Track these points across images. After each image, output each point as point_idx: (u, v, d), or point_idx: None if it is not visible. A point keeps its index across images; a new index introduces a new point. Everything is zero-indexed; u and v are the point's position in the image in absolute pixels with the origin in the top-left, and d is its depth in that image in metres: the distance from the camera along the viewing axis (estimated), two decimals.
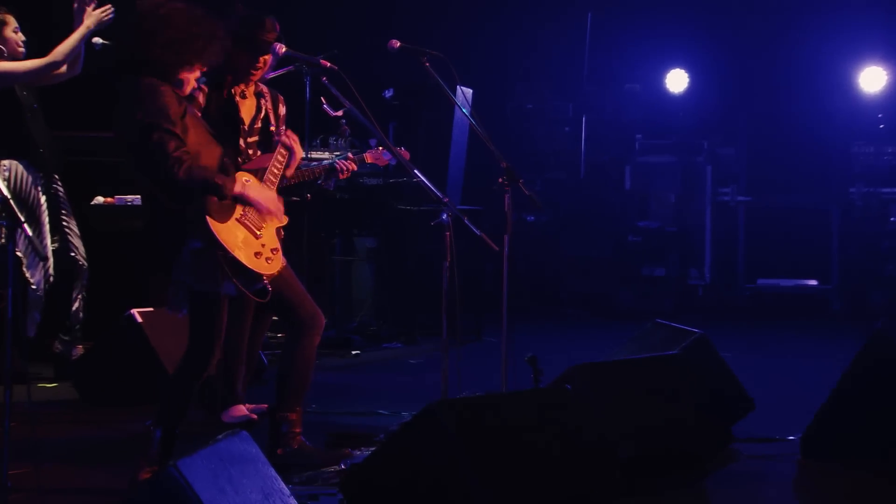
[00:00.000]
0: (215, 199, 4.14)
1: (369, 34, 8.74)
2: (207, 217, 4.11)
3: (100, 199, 7.17)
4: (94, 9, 5.90)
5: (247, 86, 5.06)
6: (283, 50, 4.83)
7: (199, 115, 4.45)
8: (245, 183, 4.27)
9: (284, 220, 4.50)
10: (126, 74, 4.15)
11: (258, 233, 4.30)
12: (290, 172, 4.73)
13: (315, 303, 4.72)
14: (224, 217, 4.18)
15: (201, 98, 4.92)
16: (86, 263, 6.44)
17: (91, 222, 6.90)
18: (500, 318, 4.99)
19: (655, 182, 10.88)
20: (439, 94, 5.14)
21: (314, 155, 7.22)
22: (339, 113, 4.98)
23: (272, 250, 4.35)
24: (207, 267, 4.15)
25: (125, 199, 7.09)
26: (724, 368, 5.20)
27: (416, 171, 4.74)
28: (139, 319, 5.82)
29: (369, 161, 5.57)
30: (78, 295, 6.42)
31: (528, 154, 10.61)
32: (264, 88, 5.18)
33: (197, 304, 4.22)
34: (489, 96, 9.22)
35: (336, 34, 9.08)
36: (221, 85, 5.02)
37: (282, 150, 4.65)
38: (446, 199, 4.73)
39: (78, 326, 6.46)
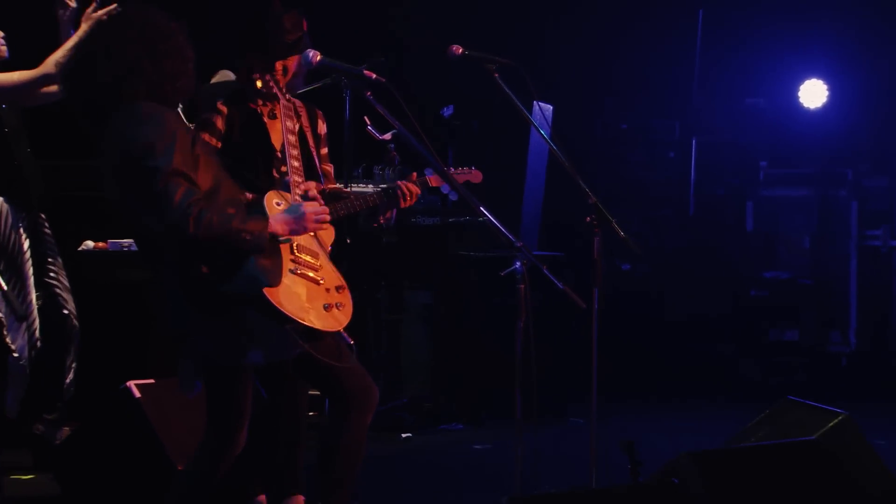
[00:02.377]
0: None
1: (426, 39, 8.84)
2: (265, 289, 4.11)
3: (90, 244, 7.25)
4: (95, 10, 5.79)
5: (274, 102, 5.13)
6: (318, 59, 4.88)
7: (209, 142, 4.50)
8: (277, 207, 4.31)
9: (330, 226, 4.54)
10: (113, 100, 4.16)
11: (319, 278, 4.36)
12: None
13: (366, 371, 4.74)
14: (275, 274, 4.20)
15: (219, 121, 5.01)
16: (77, 324, 6.38)
17: (79, 272, 6.92)
18: (589, 394, 4.97)
19: (785, 221, 10.82)
20: (511, 111, 5.15)
21: (355, 189, 7.27)
22: (387, 136, 5.04)
23: (338, 289, 4.43)
24: (229, 332, 4.17)
25: (120, 243, 7.14)
26: (874, 459, 5.12)
27: (481, 207, 4.75)
28: (137, 394, 5.78)
29: (433, 185, 5.54)
30: (72, 363, 6.36)
31: (622, 186, 10.61)
32: (298, 103, 5.24)
33: (216, 380, 4.24)
34: (574, 114, 9.23)
35: (384, 39, 9.18)
36: (244, 104, 5.09)
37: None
38: (520, 244, 4.73)
39: (65, 402, 6.44)
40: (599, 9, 10.60)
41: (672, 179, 10.92)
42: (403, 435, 7.75)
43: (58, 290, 6.35)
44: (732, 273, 10.68)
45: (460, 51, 5.02)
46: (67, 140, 7.42)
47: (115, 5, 5.69)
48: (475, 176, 5.52)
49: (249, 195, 4.37)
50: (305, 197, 4.68)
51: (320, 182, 5.14)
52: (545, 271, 4.75)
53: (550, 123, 7.50)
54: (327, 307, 4.32)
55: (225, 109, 5.08)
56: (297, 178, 4.65)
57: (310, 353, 4.30)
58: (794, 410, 5.35)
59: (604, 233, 4.98)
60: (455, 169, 5.57)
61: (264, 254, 4.15)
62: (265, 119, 5.14)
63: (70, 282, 6.48)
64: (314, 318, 4.22)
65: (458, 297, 8.45)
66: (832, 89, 11.03)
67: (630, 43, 10.74)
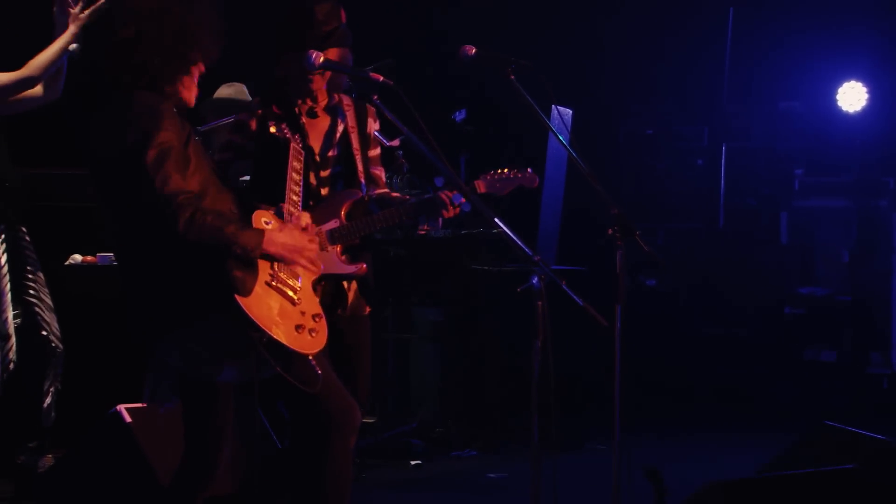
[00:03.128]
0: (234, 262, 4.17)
1: (437, 39, 8.86)
2: (236, 296, 4.11)
3: (77, 258, 7.26)
4: (82, 10, 5.84)
5: (316, 100, 5.16)
6: (321, 59, 4.89)
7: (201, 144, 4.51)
8: (266, 226, 4.33)
9: (319, 271, 4.53)
10: (105, 89, 4.22)
11: (295, 297, 4.34)
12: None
13: (345, 389, 4.69)
14: (248, 283, 4.20)
15: (253, 123, 5.04)
16: (60, 345, 6.41)
17: (66, 288, 6.94)
18: (611, 418, 4.96)
19: (822, 234, 10.81)
20: (528, 116, 5.13)
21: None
22: (395, 142, 5.04)
23: (315, 317, 4.38)
24: (201, 345, 4.18)
25: (109, 257, 7.16)
26: None
27: (496, 219, 4.74)
28: (128, 419, 5.80)
29: (481, 191, 5.44)
30: (50, 387, 6.39)
31: (647, 196, 10.62)
32: (346, 100, 5.28)
33: (191, 397, 4.27)
34: (595, 119, 9.24)
35: (392, 40, 9.19)
36: (281, 101, 5.11)
37: (295, 165, 4.71)
38: (538, 258, 4.70)
39: (48, 428, 6.46)
40: (623, 7, 10.60)
41: (700, 189, 10.91)
42: (413, 462, 7.74)
43: (38, 310, 6.36)
44: (765, 289, 10.67)
45: (473, 51, 5.01)
46: (53, 147, 7.47)
47: (102, 1, 5.77)
48: (529, 179, 5.46)
49: (234, 208, 4.36)
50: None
51: (361, 190, 5.17)
52: (564, 287, 4.70)
53: (570, 128, 7.52)
54: (299, 328, 4.28)
55: (259, 111, 5.12)
56: (291, 209, 4.65)
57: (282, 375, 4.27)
58: (831, 436, 5.34)
59: (627, 246, 4.94)
60: (502, 172, 5.48)
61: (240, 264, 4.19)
62: (303, 119, 5.16)
63: (56, 299, 6.48)
64: (282, 333, 4.18)
65: (470, 315, 8.44)
66: (872, 92, 11.00)
67: (656, 43, 10.75)
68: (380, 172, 5.42)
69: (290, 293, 4.32)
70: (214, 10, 4.36)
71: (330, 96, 5.23)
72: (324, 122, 5.18)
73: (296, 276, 4.39)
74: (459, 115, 8.64)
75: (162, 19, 4.22)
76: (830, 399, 9.89)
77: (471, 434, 8.31)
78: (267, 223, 4.37)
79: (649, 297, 10.54)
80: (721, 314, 10.53)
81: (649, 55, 10.83)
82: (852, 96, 11.02)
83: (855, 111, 11.04)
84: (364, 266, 5.20)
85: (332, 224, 5.15)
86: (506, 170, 5.42)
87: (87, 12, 5.82)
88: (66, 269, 7.23)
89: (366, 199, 5.22)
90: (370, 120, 5.33)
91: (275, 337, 4.14)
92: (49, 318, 6.41)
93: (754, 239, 10.89)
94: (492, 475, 7.58)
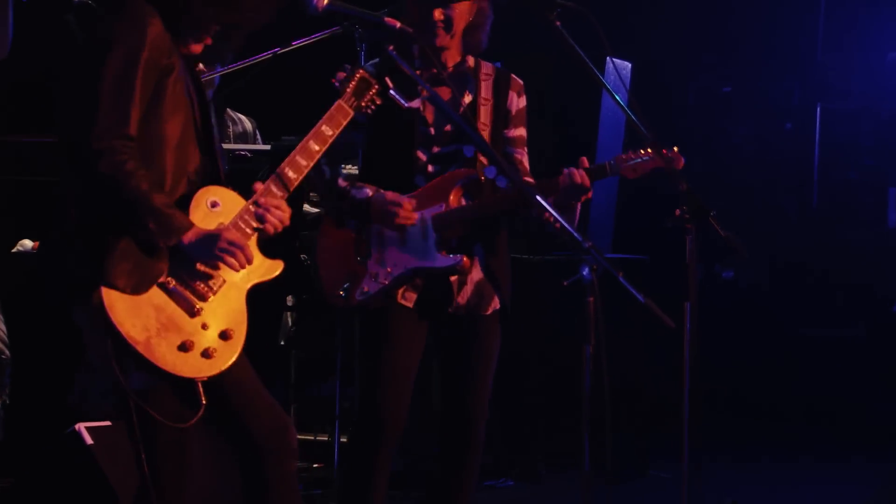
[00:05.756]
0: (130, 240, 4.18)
1: None
2: (104, 284, 4.11)
3: (27, 244, 7.30)
4: None
5: (440, 58, 5.24)
6: (325, 1, 4.91)
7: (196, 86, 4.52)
8: (209, 211, 4.32)
9: (273, 272, 4.51)
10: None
11: (196, 306, 4.29)
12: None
13: (276, 403, 4.66)
14: (141, 278, 4.19)
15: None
16: (7, 351, 6.45)
17: (13, 281, 6.96)
18: (678, 441, 4.99)
19: None
20: (577, 71, 5.15)
21: None
22: (415, 104, 5.04)
23: (222, 335, 4.34)
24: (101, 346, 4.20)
25: None
26: None
27: (538, 197, 4.77)
28: (89, 440, 5.82)
29: (652, 166, 5.35)
30: None
31: (723, 169, 10.61)
32: (486, 68, 5.36)
33: (123, 406, 4.30)
34: (660, 74, 9.23)
35: None
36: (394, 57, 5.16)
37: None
38: (589, 244, 4.72)
39: None
40: None
41: (789, 159, 10.92)
42: None
43: None
44: (868, 282, 10.68)
45: None
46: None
47: None
48: (672, 160, 5.39)
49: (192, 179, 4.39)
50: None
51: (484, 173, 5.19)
52: (622, 280, 4.70)
53: (629, 86, 7.52)
54: (185, 346, 4.25)
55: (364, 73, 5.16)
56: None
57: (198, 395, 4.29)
58: None
59: (699, 230, 4.98)
60: (638, 154, 5.44)
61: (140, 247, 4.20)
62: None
63: (1, 293, 6.54)
64: (151, 348, 4.17)
65: (505, 315, 8.44)
66: None
67: None
68: (521, 157, 5.47)
69: (192, 301, 4.29)
70: None
71: (463, 59, 5.28)
72: (446, 89, 5.24)
73: (214, 285, 4.35)
74: None
75: None
76: None
77: (507, 460, 8.32)
78: (213, 206, 4.34)
79: (726, 291, 10.58)
80: (814, 313, 10.54)
81: None
82: None
83: None
84: (465, 258, 5.25)
85: (437, 209, 5.21)
86: (641, 150, 5.37)
87: None
88: (14, 256, 7.25)
89: (483, 180, 5.27)
90: (513, 94, 5.39)
91: (133, 346, 4.14)
92: None
93: (855, 220, 10.90)
94: None
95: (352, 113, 4.59)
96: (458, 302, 5.36)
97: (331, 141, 4.50)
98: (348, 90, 4.59)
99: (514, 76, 5.45)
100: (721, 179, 10.39)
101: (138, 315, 4.16)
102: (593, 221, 8.27)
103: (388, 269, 5.24)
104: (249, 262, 4.29)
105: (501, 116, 5.33)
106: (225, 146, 7.24)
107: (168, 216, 4.14)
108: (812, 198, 10.86)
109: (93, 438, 5.84)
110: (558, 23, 5.01)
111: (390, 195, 5.16)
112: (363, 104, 4.62)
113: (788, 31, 10.97)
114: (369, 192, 5.20)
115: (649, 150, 5.29)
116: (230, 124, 8.10)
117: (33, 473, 6.05)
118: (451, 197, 5.21)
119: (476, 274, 5.38)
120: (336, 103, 4.58)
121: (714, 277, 10.48)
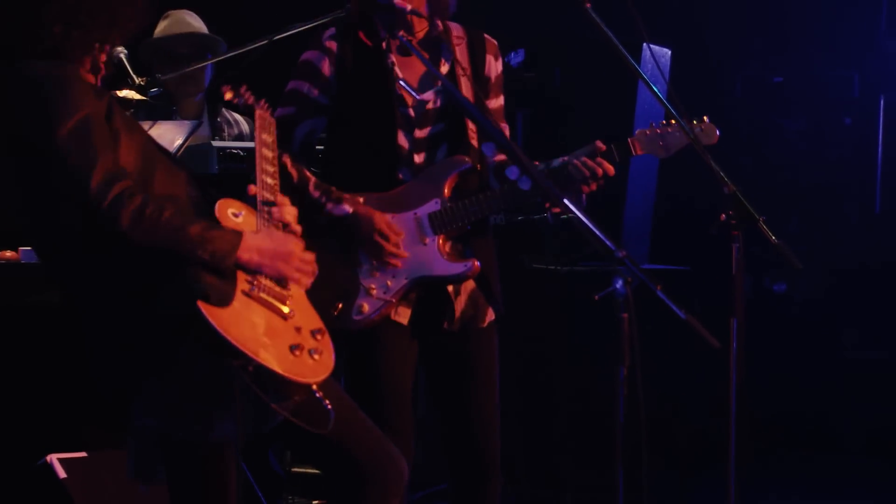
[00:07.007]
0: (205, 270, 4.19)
1: None
2: (200, 302, 4.11)
3: None
4: None
5: (410, 30, 5.19)
6: None
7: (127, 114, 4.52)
8: (235, 220, 4.35)
9: (309, 283, 4.51)
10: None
11: (285, 311, 4.34)
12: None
13: (384, 436, 4.72)
14: (221, 291, 4.20)
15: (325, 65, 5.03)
16: None
17: None
18: (724, 473, 4.94)
19: None
20: (610, 58, 5.16)
21: None
22: (428, 94, 5.03)
23: (315, 333, 4.38)
24: (182, 392, 4.18)
25: None
26: None
27: (566, 200, 4.71)
28: (62, 472, 5.91)
29: (638, 152, 5.44)
30: None
31: (775, 169, 10.60)
32: (456, 30, 5.32)
33: (179, 463, 4.31)
34: (703, 63, 9.21)
35: None
36: (364, 32, 5.14)
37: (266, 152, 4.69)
38: (622, 253, 4.70)
39: None
40: None
41: (849, 159, 10.89)
42: None
43: None
44: None
45: None
46: None
47: None
48: (706, 134, 5.36)
49: (194, 192, 4.39)
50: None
51: (468, 156, 5.19)
52: (660, 294, 4.70)
53: (668, 76, 7.49)
54: (295, 349, 4.27)
55: (334, 46, 5.10)
56: (266, 196, 4.65)
57: (292, 420, 4.29)
58: None
59: (747, 238, 4.93)
60: (666, 126, 5.42)
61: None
62: (393, 56, 5.19)
63: None
64: (272, 358, 4.16)
65: (531, 330, 8.41)
66: None
67: None
68: (502, 129, 5.40)
69: (279, 304, 4.33)
70: None
71: (431, 24, 5.22)
72: (416, 60, 5.17)
73: (283, 282, 4.40)
74: (516, 58, 8.66)
75: None
76: None
77: (531, 495, 8.33)
78: (235, 215, 4.37)
79: (778, 306, 10.56)
80: (877, 332, 10.51)
81: None
82: None
83: None
84: (477, 263, 5.19)
85: (432, 206, 5.14)
86: (672, 121, 5.37)
87: None
88: None
89: (478, 168, 5.20)
90: (490, 58, 5.37)
91: (263, 363, 4.11)
92: None
93: None
94: None
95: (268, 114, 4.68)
96: (455, 315, 5.29)
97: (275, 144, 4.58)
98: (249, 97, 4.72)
99: (487, 36, 5.40)
100: (772, 180, 10.36)
101: (242, 327, 4.16)
102: (628, 228, 8.25)
103: (388, 282, 5.16)
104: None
105: (482, 86, 5.30)
106: (216, 144, 7.27)
107: (208, 240, 4.17)
108: (874, 201, 10.83)
109: (66, 471, 5.94)
110: (588, 4, 5.02)
111: (378, 220, 5.08)
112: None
113: (847, 14, 10.93)
114: (348, 207, 5.10)
115: (672, 122, 5.27)
116: (226, 126, 8.13)
117: None
118: (446, 190, 5.13)
119: (468, 282, 5.31)
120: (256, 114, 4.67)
121: (763, 291, 10.46)
